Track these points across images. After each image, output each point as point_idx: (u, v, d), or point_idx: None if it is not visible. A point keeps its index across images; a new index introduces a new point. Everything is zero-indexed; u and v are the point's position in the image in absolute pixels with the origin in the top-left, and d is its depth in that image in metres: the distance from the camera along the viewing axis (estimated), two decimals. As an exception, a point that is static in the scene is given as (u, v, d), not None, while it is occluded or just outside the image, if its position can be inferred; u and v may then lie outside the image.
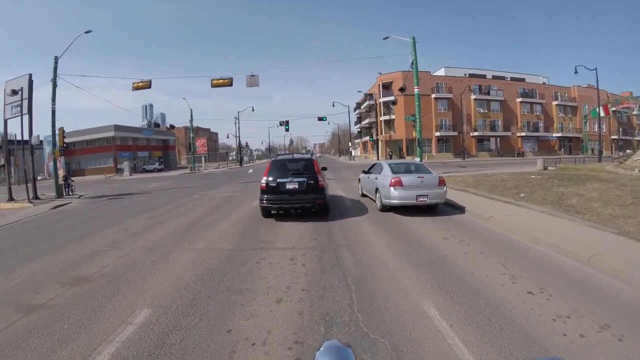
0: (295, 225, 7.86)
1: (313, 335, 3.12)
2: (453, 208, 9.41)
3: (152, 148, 60.80)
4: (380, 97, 52.72)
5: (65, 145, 20.72)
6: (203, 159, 57.54)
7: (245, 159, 71.78)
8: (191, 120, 46.03)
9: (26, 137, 17.44)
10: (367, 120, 59.74)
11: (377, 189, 9.70)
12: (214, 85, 22.77)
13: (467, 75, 53.80)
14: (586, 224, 6.70)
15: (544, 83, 58.85)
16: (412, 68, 19.85)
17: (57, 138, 18.96)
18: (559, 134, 56.35)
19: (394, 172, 9.29)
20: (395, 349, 2.85)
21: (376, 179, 9.99)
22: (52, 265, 5.67)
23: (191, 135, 49.76)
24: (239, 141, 59.91)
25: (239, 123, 56.04)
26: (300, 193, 8.31)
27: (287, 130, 48.36)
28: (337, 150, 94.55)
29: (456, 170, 23.07)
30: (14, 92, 16.46)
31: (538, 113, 56.08)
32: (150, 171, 50.04)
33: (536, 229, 6.44)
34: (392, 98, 47.35)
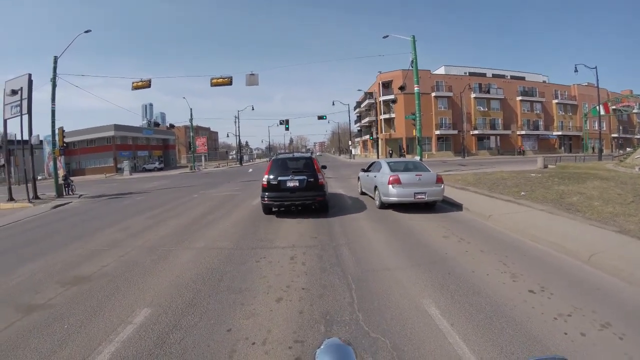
0: (295, 224, 7.87)
1: (313, 335, 3.11)
2: (453, 206, 9.40)
3: (152, 147, 60.78)
4: (380, 96, 52.71)
5: (65, 144, 20.71)
6: (203, 158, 57.51)
7: (245, 158, 71.68)
8: (191, 120, 46.06)
9: (26, 137, 17.43)
10: (367, 119, 59.72)
11: (376, 187, 9.78)
12: (213, 84, 22.76)
13: (467, 74, 53.74)
14: (587, 222, 6.68)
15: (544, 81, 58.78)
16: (412, 66, 19.82)
17: (57, 138, 18.97)
18: (559, 133, 56.36)
19: (392, 170, 9.36)
20: (396, 348, 2.84)
21: (375, 177, 10.06)
22: (52, 265, 5.67)
23: (191, 134, 49.75)
24: (239, 140, 59.95)
25: (238, 122, 56.12)
26: (300, 190, 8.54)
27: (287, 129, 48.32)
28: (337, 149, 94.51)
29: (456, 169, 23.06)
30: (14, 92, 16.45)
31: (538, 111, 56.06)
32: (150, 170, 50.05)
33: (537, 227, 6.43)
34: (392, 97, 47.36)
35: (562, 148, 55.81)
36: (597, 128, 38.85)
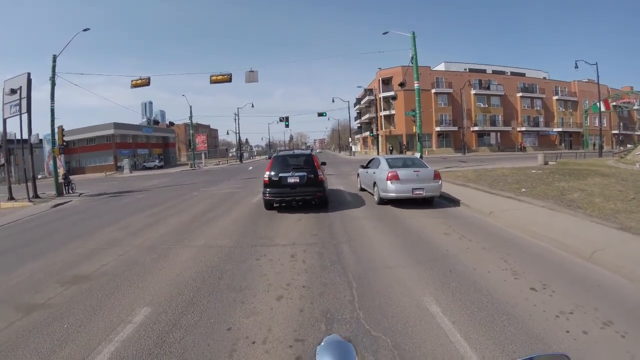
0: (295, 221, 7.86)
1: (314, 333, 3.09)
2: (454, 203, 9.39)
3: (152, 145, 60.67)
4: (380, 93, 52.53)
5: (64, 143, 20.67)
6: (203, 155, 57.44)
7: (246, 155, 71.59)
8: (191, 117, 45.89)
9: (25, 136, 17.42)
10: (367, 116, 59.57)
11: (375, 183, 9.88)
12: (213, 82, 22.66)
13: (467, 70, 53.60)
14: (588, 219, 6.66)
15: (544, 78, 58.62)
16: (412, 63, 19.74)
17: (56, 136, 18.93)
18: (560, 129, 56.20)
19: (391, 166, 9.45)
20: (397, 346, 2.83)
21: (374, 173, 10.16)
22: (52, 264, 5.66)
23: (191, 132, 49.65)
24: (239, 137, 59.79)
25: (238, 119, 56.01)
26: (301, 186, 8.78)
27: (287, 126, 48.29)
28: (337, 146, 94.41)
29: (457, 165, 23.02)
30: (13, 91, 16.39)
31: (538, 108, 55.89)
32: (150, 168, 49.97)
33: (538, 224, 6.41)
34: (392, 93, 47.27)
35: (563, 144, 55.68)
36: (597, 124, 38.64)
